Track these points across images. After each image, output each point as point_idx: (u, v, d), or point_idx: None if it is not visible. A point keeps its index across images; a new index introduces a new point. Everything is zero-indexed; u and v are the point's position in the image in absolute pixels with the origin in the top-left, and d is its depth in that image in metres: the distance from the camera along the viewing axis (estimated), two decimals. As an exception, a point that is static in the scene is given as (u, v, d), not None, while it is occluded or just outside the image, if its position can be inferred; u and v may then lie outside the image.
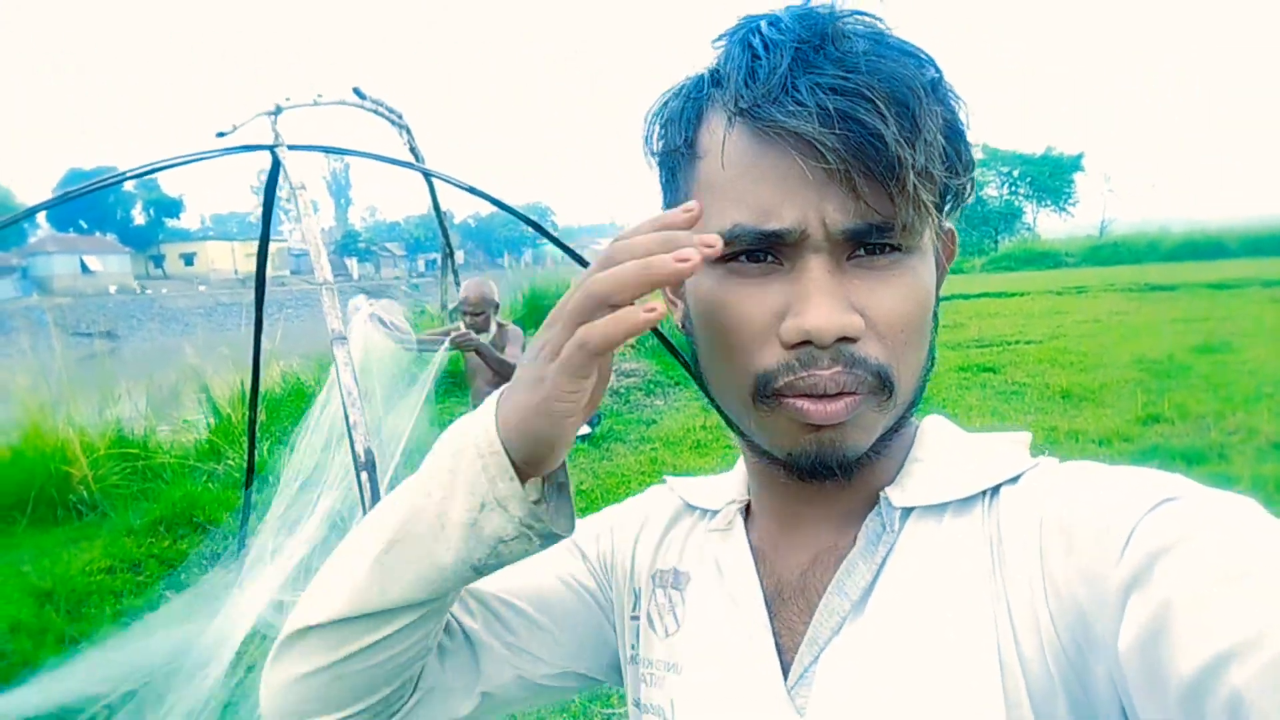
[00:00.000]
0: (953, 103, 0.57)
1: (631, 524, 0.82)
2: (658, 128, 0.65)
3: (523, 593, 0.79)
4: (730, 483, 0.75)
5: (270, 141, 3.00)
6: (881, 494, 0.63)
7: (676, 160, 0.63)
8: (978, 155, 0.61)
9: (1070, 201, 43.64)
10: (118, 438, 6.28)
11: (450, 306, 5.56)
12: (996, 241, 37.92)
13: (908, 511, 0.63)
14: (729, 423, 0.66)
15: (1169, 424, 6.53)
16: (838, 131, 0.52)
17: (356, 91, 4.09)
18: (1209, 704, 0.43)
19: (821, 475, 0.60)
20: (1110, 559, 0.50)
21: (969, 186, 0.60)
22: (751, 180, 0.56)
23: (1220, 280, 16.52)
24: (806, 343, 0.56)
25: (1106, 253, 29.68)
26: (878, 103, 0.52)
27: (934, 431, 0.68)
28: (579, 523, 0.84)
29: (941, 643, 0.57)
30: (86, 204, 68.73)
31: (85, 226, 72.16)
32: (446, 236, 6.27)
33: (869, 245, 0.56)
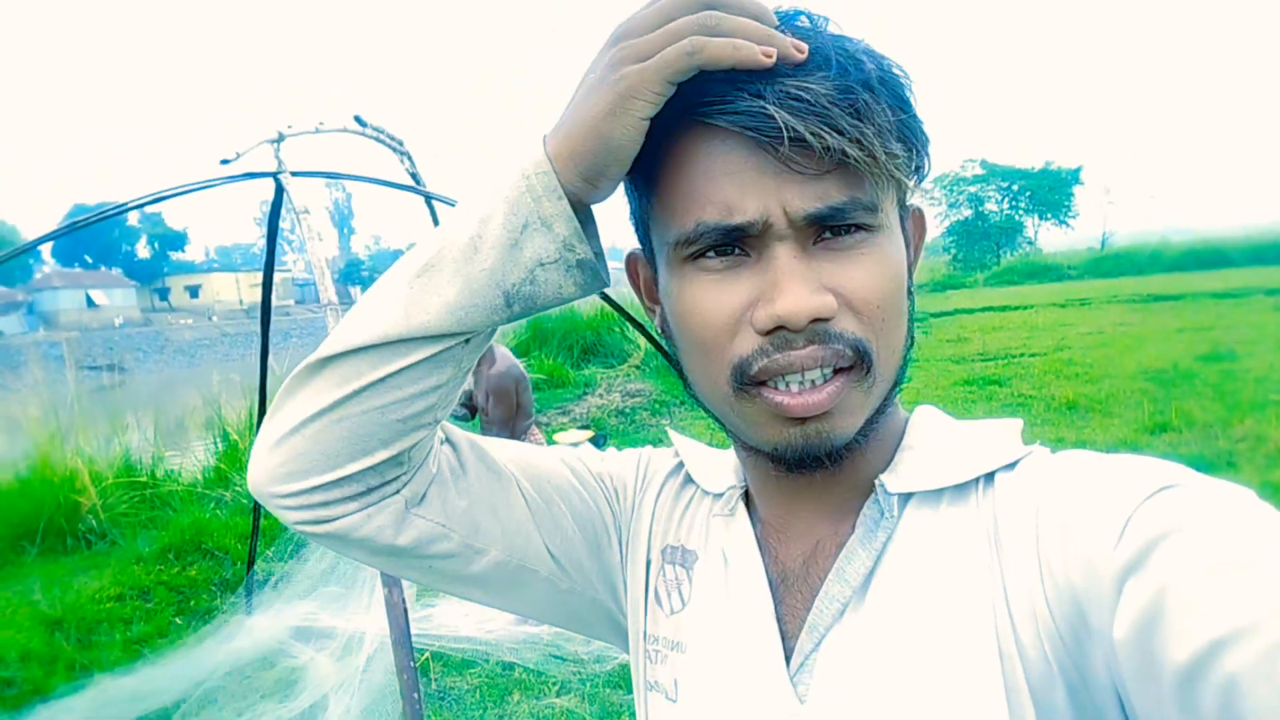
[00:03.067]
0: (901, 87, 0.58)
1: (636, 480, 0.81)
2: None
3: (532, 471, 0.76)
4: (730, 464, 0.75)
5: (273, 169, 3.04)
6: (877, 481, 0.63)
7: (640, 174, 0.63)
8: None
9: (1070, 214, 43.67)
10: (126, 467, 6.32)
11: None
12: (998, 256, 37.91)
13: (905, 498, 0.63)
14: (716, 420, 0.67)
15: (1176, 433, 6.53)
16: (790, 121, 0.53)
17: (357, 119, 4.11)
18: (1203, 690, 0.43)
19: (810, 466, 0.60)
20: (1107, 546, 0.50)
21: (925, 163, 0.61)
22: (711, 178, 0.57)
23: (1223, 289, 16.53)
24: (780, 328, 0.56)
25: (1109, 264, 29.63)
26: (825, 90, 0.53)
27: (925, 420, 0.68)
28: (593, 452, 0.83)
29: (941, 630, 0.57)
30: (91, 238, 69.17)
31: (90, 261, 72.63)
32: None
33: (833, 228, 0.57)
